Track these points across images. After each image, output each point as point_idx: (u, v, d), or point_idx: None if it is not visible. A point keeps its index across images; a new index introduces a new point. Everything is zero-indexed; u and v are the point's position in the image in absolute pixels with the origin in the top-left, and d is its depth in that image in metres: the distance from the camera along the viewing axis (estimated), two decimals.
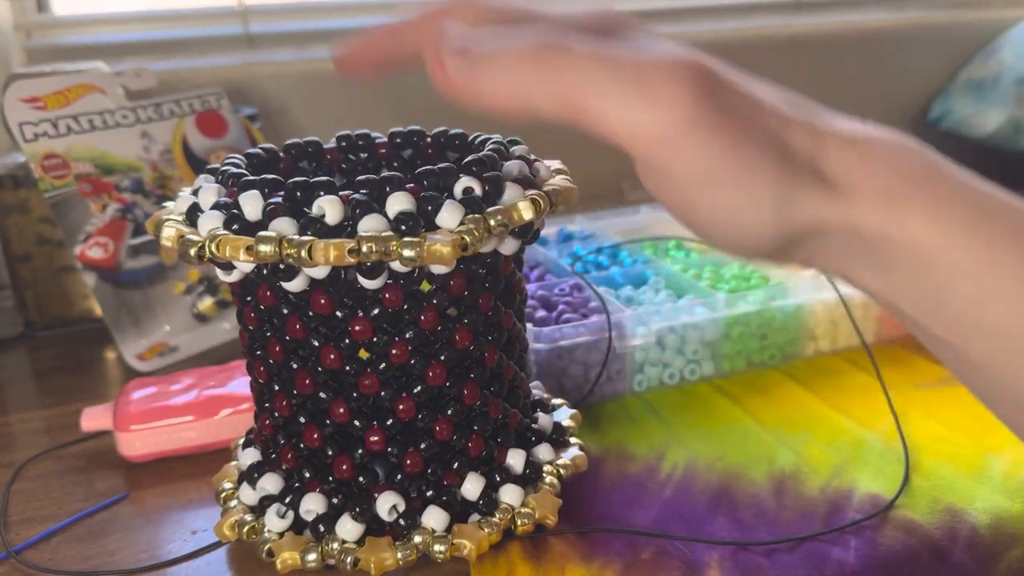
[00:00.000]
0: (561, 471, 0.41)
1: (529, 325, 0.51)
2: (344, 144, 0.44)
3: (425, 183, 0.35)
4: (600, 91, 0.27)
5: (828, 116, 0.29)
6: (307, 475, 0.37)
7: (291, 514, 0.37)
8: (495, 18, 0.30)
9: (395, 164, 0.44)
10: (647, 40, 0.29)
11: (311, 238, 0.32)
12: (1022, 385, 0.28)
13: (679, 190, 0.28)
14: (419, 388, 0.36)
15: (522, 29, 0.28)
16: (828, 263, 0.29)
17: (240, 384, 0.49)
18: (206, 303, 0.63)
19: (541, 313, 0.53)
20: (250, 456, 0.41)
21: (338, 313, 0.35)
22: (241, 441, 0.44)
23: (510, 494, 0.38)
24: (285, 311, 0.36)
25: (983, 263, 0.27)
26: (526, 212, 0.35)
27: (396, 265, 0.33)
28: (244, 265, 0.34)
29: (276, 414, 0.38)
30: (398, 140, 0.44)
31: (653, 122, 0.26)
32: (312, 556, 0.36)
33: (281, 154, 0.43)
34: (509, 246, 0.37)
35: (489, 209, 0.35)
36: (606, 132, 0.27)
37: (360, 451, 0.37)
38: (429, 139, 0.43)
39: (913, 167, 0.28)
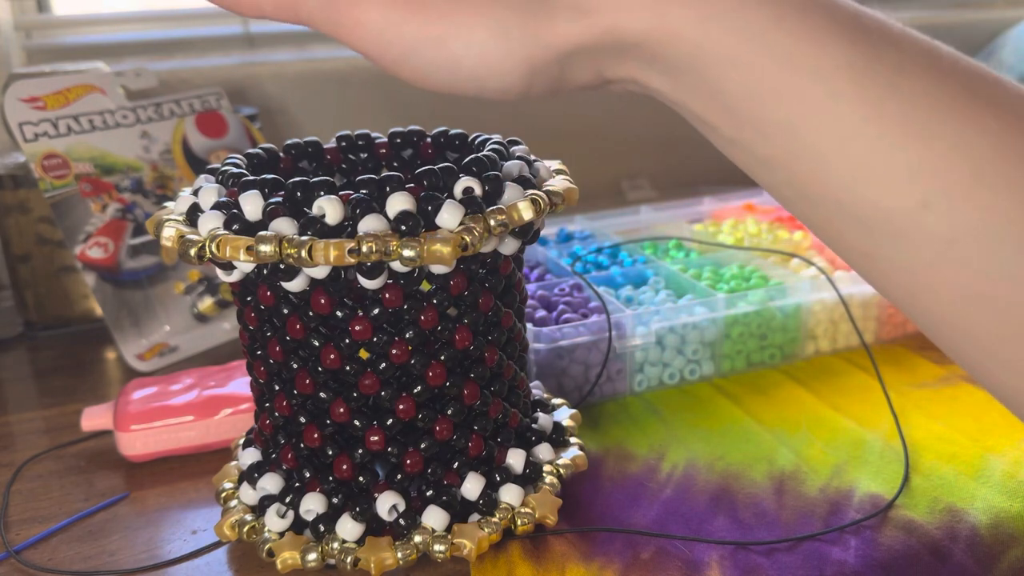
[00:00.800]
0: (561, 471, 0.41)
1: (529, 325, 0.51)
2: (344, 144, 0.44)
3: (425, 183, 0.35)
4: None
5: None
6: (307, 475, 0.37)
7: (291, 514, 0.37)
8: None
9: (395, 164, 0.44)
10: None
11: (311, 238, 0.32)
12: (810, 179, 0.27)
13: (423, 54, 0.28)
14: (419, 388, 0.36)
15: None
16: (611, 73, 0.29)
17: (240, 384, 0.49)
18: (206, 303, 0.64)
19: (541, 313, 0.53)
20: (250, 456, 0.40)
21: (338, 313, 0.35)
22: (241, 441, 0.44)
23: (510, 494, 0.38)
24: (285, 311, 0.36)
25: (746, 52, 0.26)
26: (526, 212, 0.35)
27: (396, 265, 0.33)
28: (244, 265, 0.34)
29: (276, 414, 0.38)
30: (398, 140, 0.44)
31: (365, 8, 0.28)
32: (312, 556, 0.36)
33: (281, 154, 0.43)
34: (509, 246, 0.37)
35: (489, 209, 0.34)
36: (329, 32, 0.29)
37: (360, 451, 0.37)
38: (429, 139, 0.43)
39: None
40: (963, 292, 0.26)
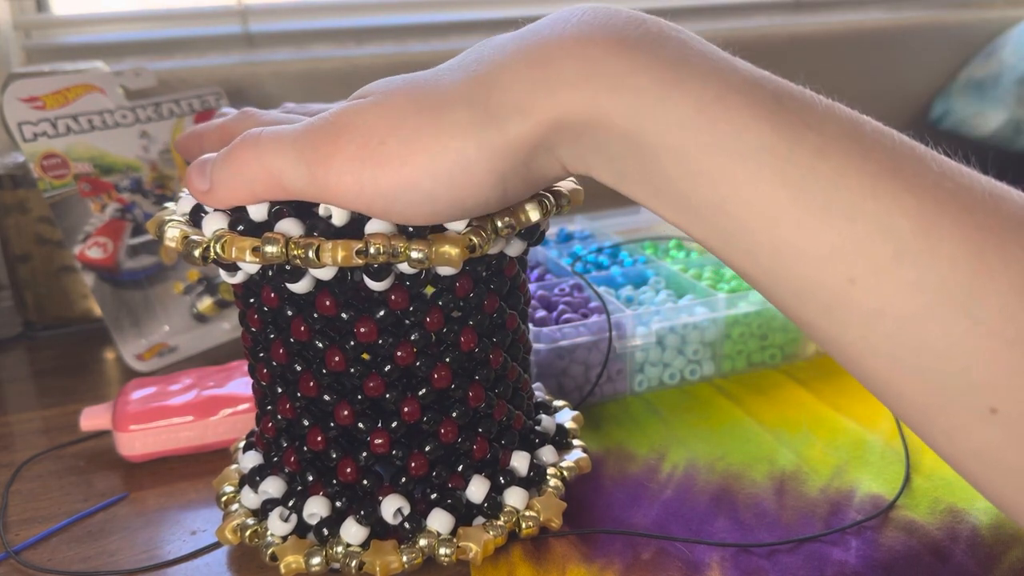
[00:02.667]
0: (565, 473, 0.41)
1: (529, 325, 0.51)
2: None
3: None
4: (279, 162, 0.31)
5: (511, 54, 0.30)
6: (310, 478, 0.37)
7: (294, 517, 0.37)
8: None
9: None
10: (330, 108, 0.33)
11: (318, 238, 0.32)
12: (745, 257, 0.28)
13: (402, 199, 0.30)
14: (424, 390, 0.36)
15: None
16: (571, 166, 0.31)
17: (239, 384, 0.49)
18: (205, 303, 0.63)
19: (541, 313, 0.53)
20: (251, 459, 0.40)
21: (343, 315, 0.35)
22: (241, 444, 0.44)
23: (515, 497, 0.38)
24: (289, 313, 0.36)
25: (673, 139, 0.27)
26: (533, 213, 0.35)
27: (403, 267, 0.33)
28: (249, 266, 0.34)
29: (279, 417, 0.38)
30: None
31: (327, 173, 0.31)
32: (316, 560, 0.36)
33: None
34: (515, 247, 0.37)
35: None
36: (305, 198, 0.32)
37: (364, 454, 0.36)
38: None
39: (595, 51, 0.28)
40: (893, 363, 0.26)
